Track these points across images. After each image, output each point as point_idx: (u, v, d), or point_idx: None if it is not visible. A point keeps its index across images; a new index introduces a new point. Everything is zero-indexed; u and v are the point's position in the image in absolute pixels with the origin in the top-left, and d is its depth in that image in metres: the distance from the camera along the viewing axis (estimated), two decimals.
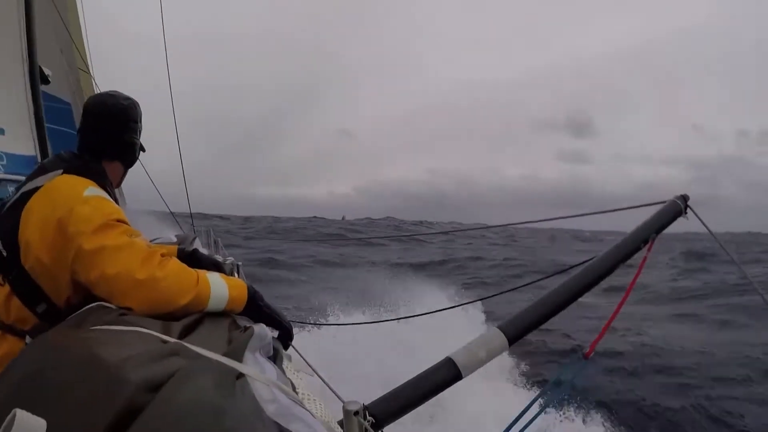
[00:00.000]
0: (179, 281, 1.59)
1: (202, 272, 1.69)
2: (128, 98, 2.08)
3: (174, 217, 6.00)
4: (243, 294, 1.74)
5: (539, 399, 1.73)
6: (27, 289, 1.66)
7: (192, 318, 1.51)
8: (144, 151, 2.20)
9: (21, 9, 4.07)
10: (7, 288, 1.66)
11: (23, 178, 1.90)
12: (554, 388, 1.77)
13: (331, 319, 8.61)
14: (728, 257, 2.63)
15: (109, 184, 1.95)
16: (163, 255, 1.66)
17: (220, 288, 1.67)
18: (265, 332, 1.59)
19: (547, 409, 1.75)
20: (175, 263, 1.66)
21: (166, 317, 1.50)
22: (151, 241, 2.65)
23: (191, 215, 5.94)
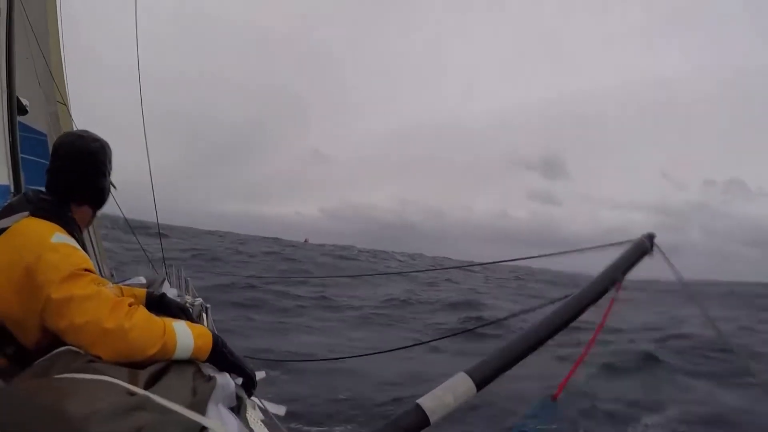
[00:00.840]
0: (147, 332, 1.60)
1: (168, 321, 1.71)
2: (98, 139, 2.08)
3: (145, 253, 5.98)
4: (208, 342, 1.76)
5: None
6: None
7: (158, 366, 1.53)
8: (115, 188, 2.21)
9: (1, 39, 4.09)
10: None
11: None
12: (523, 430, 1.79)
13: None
14: (691, 297, 2.68)
15: (77, 229, 1.96)
16: (130, 304, 1.67)
17: (185, 337, 1.69)
18: (227, 382, 1.61)
19: None
20: (143, 313, 1.67)
21: (133, 364, 1.51)
22: (121, 282, 2.65)
23: (163, 252, 5.92)
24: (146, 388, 1.34)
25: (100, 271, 5.54)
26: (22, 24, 4.38)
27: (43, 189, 2.01)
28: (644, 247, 2.38)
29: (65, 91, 5.41)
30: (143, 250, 5.95)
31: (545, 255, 2.92)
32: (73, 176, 2.00)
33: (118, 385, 1.29)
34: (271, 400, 1.98)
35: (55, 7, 5.10)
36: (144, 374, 1.43)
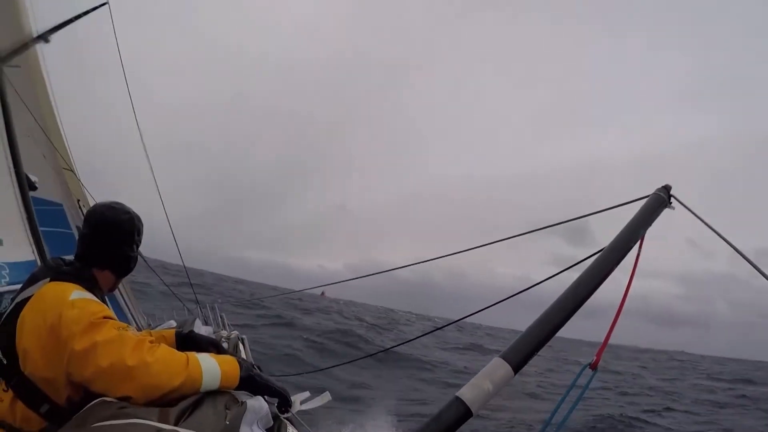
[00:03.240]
0: (169, 364, 1.66)
1: (192, 354, 1.76)
2: (128, 212, 2.17)
3: (177, 296, 6.10)
4: (234, 369, 1.80)
5: (556, 412, 1.73)
6: (29, 392, 1.72)
7: (190, 401, 1.57)
8: (145, 260, 2.28)
9: (0, 121, 4.21)
10: (10, 394, 1.74)
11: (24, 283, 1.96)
12: (568, 399, 1.76)
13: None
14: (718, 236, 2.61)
15: (98, 288, 2.02)
16: (151, 342, 1.74)
17: (211, 366, 1.74)
18: (260, 405, 1.63)
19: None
20: (164, 348, 1.74)
21: (164, 403, 1.54)
22: (152, 327, 2.71)
23: (195, 294, 6.04)
24: (177, 423, 1.37)
25: (136, 323, 5.66)
26: (16, 103, 4.49)
27: (66, 257, 2.09)
28: (661, 199, 2.34)
29: (69, 158, 5.54)
30: (174, 294, 6.10)
31: (564, 222, 2.83)
32: (98, 243, 2.08)
33: (146, 424, 1.34)
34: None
35: (43, 78, 5.22)
36: (175, 411, 1.48)
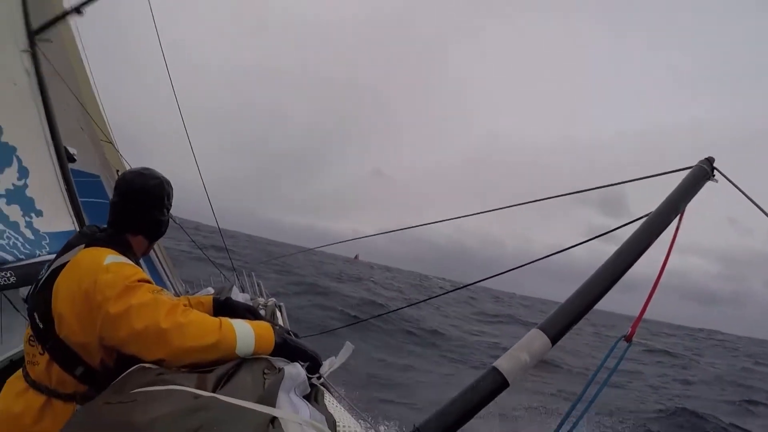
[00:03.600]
0: (202, 326, 1.69)
1: (225, 318, 1.78)
2: (157, 177, 2.20)
3: (214, 263, 6.22)
4: (269, 333, 1.82)
5: (592, 382, 1.73)
6: (64, 355, 1.79)
7: (227, 367, 1.59)
8: (176, 222, 2.30)
9: (37, 95, 4.30)
10: (46, 356, 1.81)
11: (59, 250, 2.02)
12: (604, 370, 1.76)
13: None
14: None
15: (132, 253, 2.07)
16: (185, 305, 1.77)
17: (244, 329, 1.76)
18: (297, 372, 1.65)
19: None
20: (198, 312, 1.76)
21: (201, 370, 1.58)
22: (191, 294, 2.77)
23: (231, 261, 6.14)
24: (214, 389, 1.40)
25: (174, 289, 5.79)
26: (52, 77, 4.55)
27: (101, 226, 2.14)
28: (704, 172, 2.27)
29: (107, 130, 5.62)
30: (212, 261, 6.21)
31: (602, 187, 2.76)
32: (128, 209, 2.12)
33: (184, 391, 1.35)
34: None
35: (77, 51, 5.26)
36: (212, 377, 1.49)
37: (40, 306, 1.84)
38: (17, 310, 3.70)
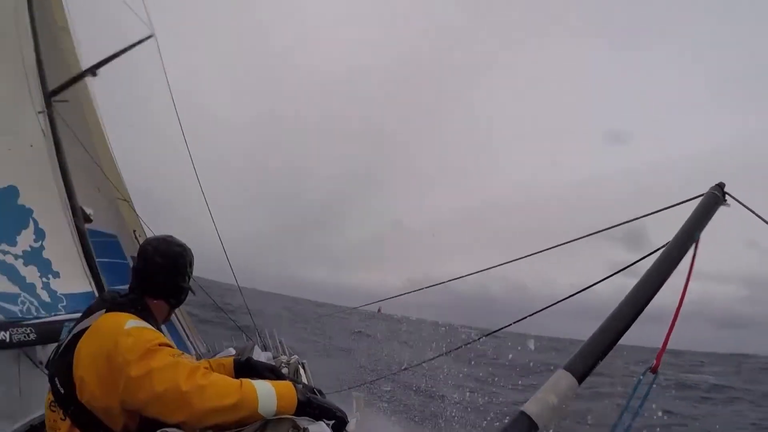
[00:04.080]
0: (222, 387, 1.70)
1: (246, 379, 1.79)
2: (180, 245, 2.26)
3: (236, 324, 6.21)
4: (291, 391, 1.81)
5: (623, 414, 1.69)
6: (86, 421, 1.78)
7: (251, 428, 1.59)
8: (194, 294, 2.35)
9: (53, 156, 4.39)
10: (68, 422, 1.81)
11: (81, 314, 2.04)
12: (633, 404, 1.73)
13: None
14: None
15: (152, 317, 2.09)
16: (206, 368, 1.82)
17: (265, 389, 1.76)
18: (322, 430, 1.62)
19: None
20: (218, 374, 1.79)
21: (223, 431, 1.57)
22: (213, 356, 2.78)
23: (251, 318, 6.13)
24: None
25: (196, 350, 5.78)
26: (67, 137, 4.65)
27: (120, 288, 2.17)
28: (716, 198, 2.28)
29: (123, 188, 5.71)
30: (233, 321, 6.21)
31: (618, 225, 2.77)
32: (151, 275, 2.16)
33: None
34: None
35: (93, 111, 5.39)
36: None
37: (62, 371, 1.84)
38: (37, 366, 3.69)
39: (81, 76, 4.80)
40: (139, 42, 4.97)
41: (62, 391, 1.82)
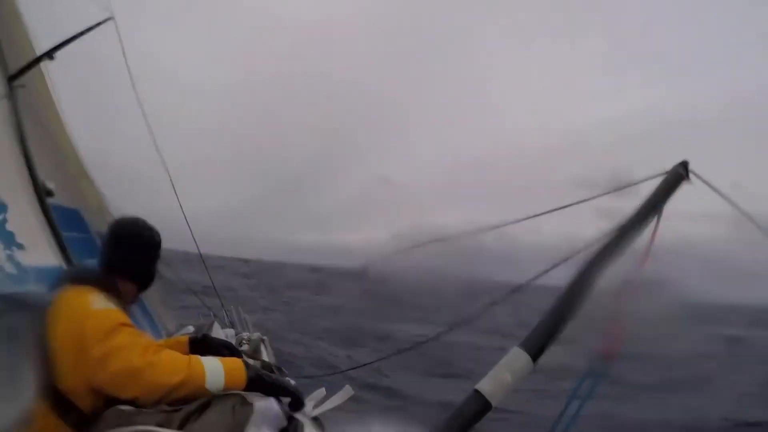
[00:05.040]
0: (170, 364, 1.75)
1: (195, 356, 1.84)
2: (150, 228, 2.29)
3: (200, 299, 6.22)
4: (239, 368, 1.84)
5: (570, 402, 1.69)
6: (57, 401, 1.79)
7: (197, 404, 1.66)
8: (160, 278, 2.34)
9: (14, 137, 4.30)
10: (39, 402, 1.79)
11: (49, 288, 2.05)
12: (581, 391, 1.72)
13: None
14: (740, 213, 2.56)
15: (118, 295, 2.09)
16: (160, 345, 1.85)
17: (213, 365, 1.80)
18: (268, 405, 1.68)
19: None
20: (169, 351, 1.84)
21: (173, 406, 1.65)
22: (174, 334, 2.79)
23: (215, 290, 6.13)
24: (181, 426, 1.47)
25: (165, 329, 5.77)
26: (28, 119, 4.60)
27: (92, 262, 2.16)
28: (679, 174, 2.33)
29: (82, 165, 5.62)
30: (197, 296, 6.23)
31: (585, 200, 2.80)
32: (121, 254, 2.17)
33: (149, 430, 1.45)
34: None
35: (50, 94, 5.31)
36: (179, 415, 1.60)
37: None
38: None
39: (38, 59, 4.71)
40: (98, 25, 4.89)
41: None
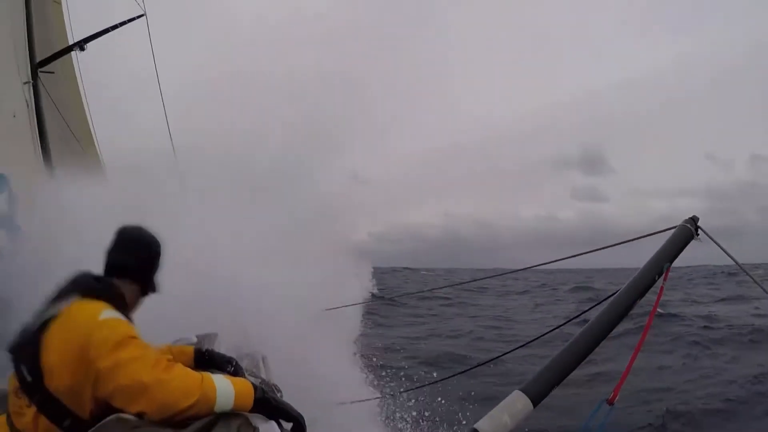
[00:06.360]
0: (184, 383, 1.72)
1: (207, 374, 1.81)
2: (154, 235, 2.28)
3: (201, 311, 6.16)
4: (248, 391, 1.83)
5: None
6: (52, 408, 1.76)
7: (202, 422, 1.61)
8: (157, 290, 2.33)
9: (35, 125, 4.34)
10: (33, 409, 1.77)
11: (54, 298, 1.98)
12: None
13: None
14: (747, 277, 2.56)
15: (125, 306, 2.07)
16: (169, 360, 1.80)
17: (224, 386, 1.78)
18: (272, 429, 1.64)
19: None
20: (180, 367, 1.79)
21: (178, 422, 1.62)
22: (173, 342, 2.78)
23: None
24: None
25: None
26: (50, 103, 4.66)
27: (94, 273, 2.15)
28: (688, 232, 2.30)
29: (100, 156, 5.66)
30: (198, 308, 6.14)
31: (589, 252, 2.83)
32: (129, 258, 2.16)
33: None
34: None
35: (77, 84, 5.38)
36: None
37: (29, 357, 1.81)
38: None
39: (69, 49, 4.76)
40: (130, 20, 4.95)
41: (29, 379, 1.79)
